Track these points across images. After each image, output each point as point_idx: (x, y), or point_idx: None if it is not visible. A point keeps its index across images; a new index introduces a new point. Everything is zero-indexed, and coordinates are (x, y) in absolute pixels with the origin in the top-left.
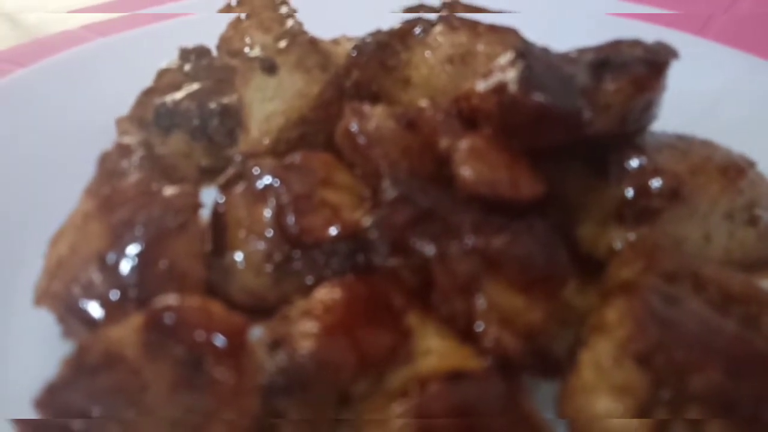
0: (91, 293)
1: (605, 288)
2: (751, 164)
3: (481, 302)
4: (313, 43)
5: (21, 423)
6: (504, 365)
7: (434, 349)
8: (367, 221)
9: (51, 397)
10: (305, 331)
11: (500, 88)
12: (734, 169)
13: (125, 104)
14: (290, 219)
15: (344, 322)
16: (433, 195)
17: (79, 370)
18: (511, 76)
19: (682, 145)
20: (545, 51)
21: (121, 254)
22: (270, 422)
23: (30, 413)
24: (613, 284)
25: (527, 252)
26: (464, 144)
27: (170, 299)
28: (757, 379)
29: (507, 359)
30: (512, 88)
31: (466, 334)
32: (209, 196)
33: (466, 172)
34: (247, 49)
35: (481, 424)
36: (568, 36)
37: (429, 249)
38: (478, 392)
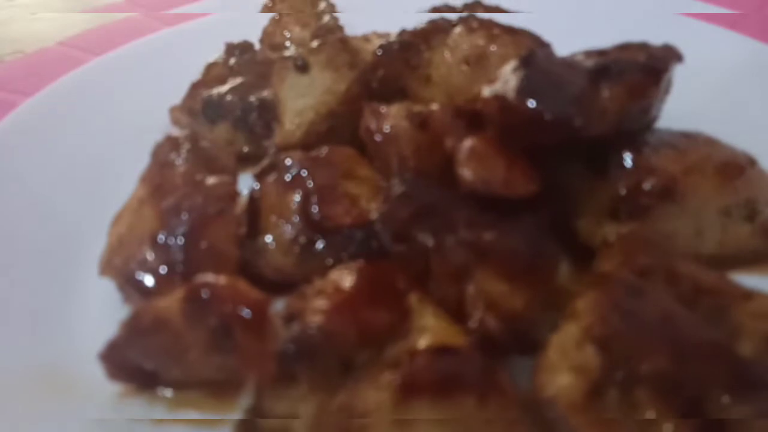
0: (144, 267)
1: (588, 279)
2: (752, 162)
3: (470, 288)
4: (344, 41)
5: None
6: (488, 344)
7: (429, 327)
8: (374, 214)
9: (112, 352)
10: (317, 307)
11: (501, 95)
12: (732, 168)
13: (179, 94)
14: (314, 207)
15: (351, 300)
16: (435, 193)
17: (134, 332)
18: (511, 83)
19: (683, 143)
20: (550, 57)
21: (170, 235)
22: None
23: (96, 364)
24: (593, 276)
25: (513, 245)
26: (466, 145)
27: (206, 277)
28: (704, 365)
29: (490, 339)
30: (510, 95)
31: (456, 316)
32: (249, 180)
33: (465, 171)
34: (287, 44)
35: (458, 391)
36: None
37: (428, 240)
38: (460, 365)
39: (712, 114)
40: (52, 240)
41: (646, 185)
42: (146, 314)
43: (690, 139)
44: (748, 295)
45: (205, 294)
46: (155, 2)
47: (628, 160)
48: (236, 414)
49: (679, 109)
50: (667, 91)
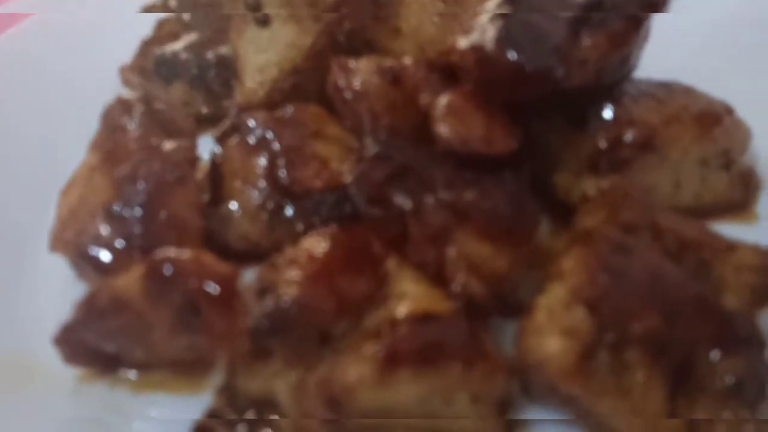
0: (99, 241)
1: (570, 236)
2: (729, 111)
3: (451, 251)
4: None
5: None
6: (471, 308)
7: (408, 293)
8: (348, 177)
9: (67, 336)
10: (290, 278)
11: (478, 46)
12: (709, 118)
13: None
14: (282, 171)
15: (326, 269)
16: (411, 152)
17: (90, 313)
18: (489, 34)
19: (662, 93)
20: (529, 4)
21: (126, 206)
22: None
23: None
24: (576, 233)
25: (495, 205)
26: (442, 101)
27: (168, 251)
28: (692, 322)
29: (473, 303)
30: (489, 46)
31: (437, 281)
32: (209, 143)
33: (442, 128)
34: None
35: (442, 359)
36: None
37: (405, 202)
38: (444, 332)
39: (687, 62)
40: None
41: (627, 137)
42: (103, 294)
43: (668, 89)
44: (731, 247)
45: (167, 270)
46: None
47: (607, 112)
48: (207, 393)
49: (655, 58)
50: (645, 38)
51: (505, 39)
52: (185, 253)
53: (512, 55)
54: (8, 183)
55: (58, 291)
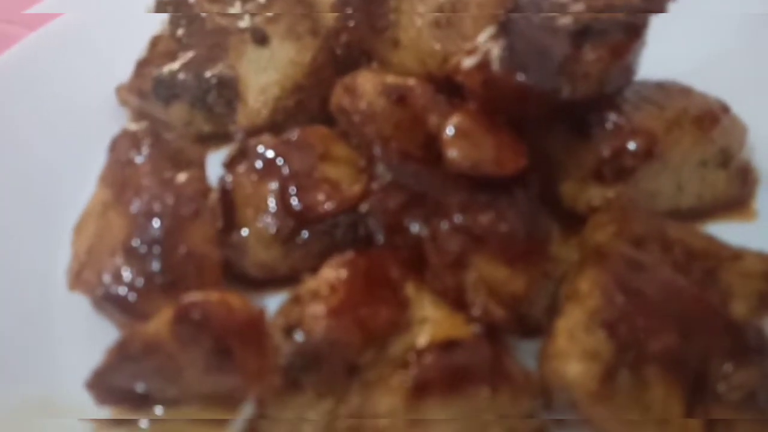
0: (120, 281)
1: (581, 251)
2: (726, 109)
3: (470, 276)
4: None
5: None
6: (490, 329)
7: (429, 318)
8: (363, 207)
9: (99, 380)
10: (315, 313)
11: (483, 66)
12: (708, 119)
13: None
14: (293, 198)
15: (348, 300)
16: (423, 177)
17: (122, 358)
18: (493, 53)
19: (660, 97)
20: (526, 17)
21: (143, 243)
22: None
23: (76, 388)
24: (587, 248)
25: (510, 227)
26: (451, 124)
27: (194, 296)
28: (705, 335)
29: (493, 325)
30: (495, 67)
31: (457, 304)
32: (214, 160)
33: (453, 153)
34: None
35: (470, 384)
36: None
37: (421, 230)
38: (468, 357)
39: (680, 58)
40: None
41: (630, 146)
42: (135, 340)
43: (665, 92)
44: (737, 255)
45: (196, 315)
46: None
47: (609, 120)
48: (237, 423)
49: (650, 57)
50: (644, 44)
51: (510, 59)
52: (212, 296)
53: (519, 76)
54: (16, 216)
55: (73, 327)
